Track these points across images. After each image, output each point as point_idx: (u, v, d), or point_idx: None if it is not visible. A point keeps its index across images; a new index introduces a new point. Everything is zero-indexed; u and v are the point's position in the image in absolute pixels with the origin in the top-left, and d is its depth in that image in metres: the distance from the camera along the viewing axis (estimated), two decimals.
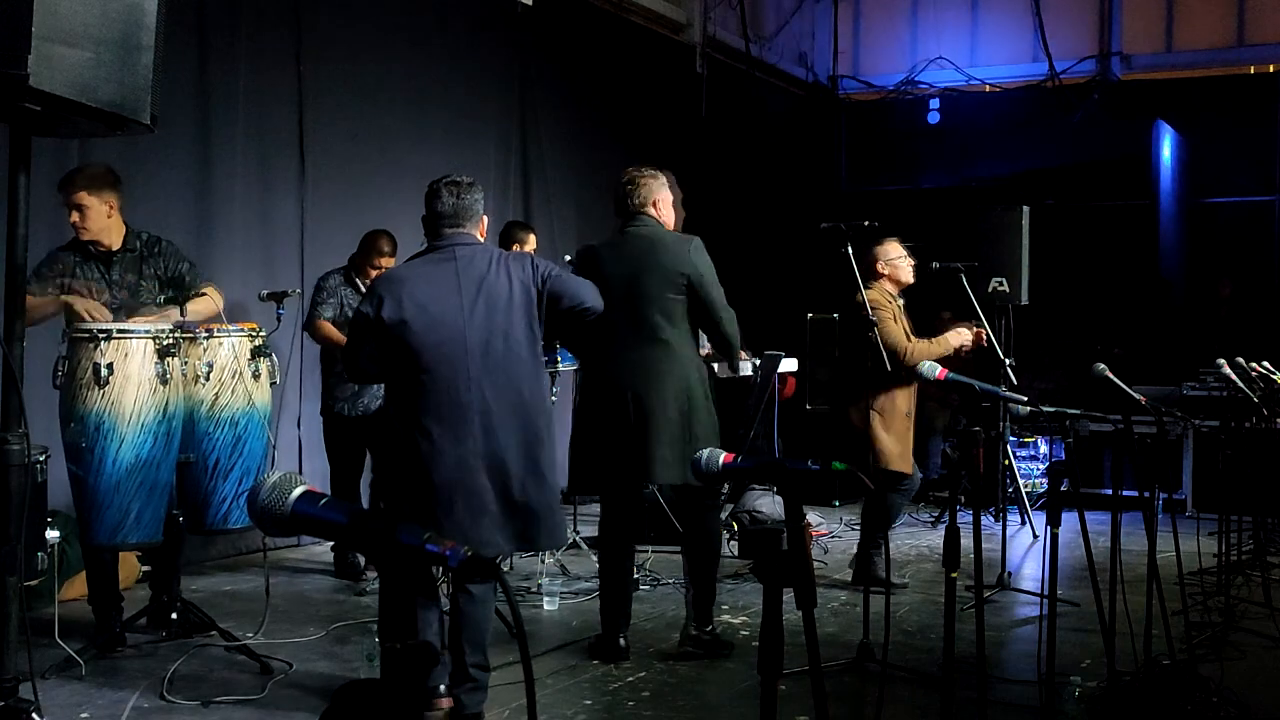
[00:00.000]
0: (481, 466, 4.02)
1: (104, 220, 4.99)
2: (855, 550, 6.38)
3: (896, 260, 6.29)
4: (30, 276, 4.84)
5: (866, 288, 6.25)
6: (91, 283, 4.98)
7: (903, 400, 6.08)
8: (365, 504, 6.51)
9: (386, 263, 6.39)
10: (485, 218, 4.30)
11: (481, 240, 4.25)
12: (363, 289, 6.41)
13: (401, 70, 8.05)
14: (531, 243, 7.17)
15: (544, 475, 4.15)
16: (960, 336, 6.25)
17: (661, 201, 5.12)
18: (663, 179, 5.15)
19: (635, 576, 6.21)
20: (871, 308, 6.13)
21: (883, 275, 6.27)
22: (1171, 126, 11.42)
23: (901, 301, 6.28)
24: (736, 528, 7.32)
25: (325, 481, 6.81)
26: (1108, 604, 4.12)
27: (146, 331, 4.52)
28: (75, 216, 4.96)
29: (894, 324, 6.13)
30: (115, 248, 5.04)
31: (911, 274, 6.31)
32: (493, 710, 4.23)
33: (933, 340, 6.18)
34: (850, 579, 6.35)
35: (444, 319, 4.05)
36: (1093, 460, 9.15)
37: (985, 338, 6.38)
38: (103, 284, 4.99)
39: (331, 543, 6.39)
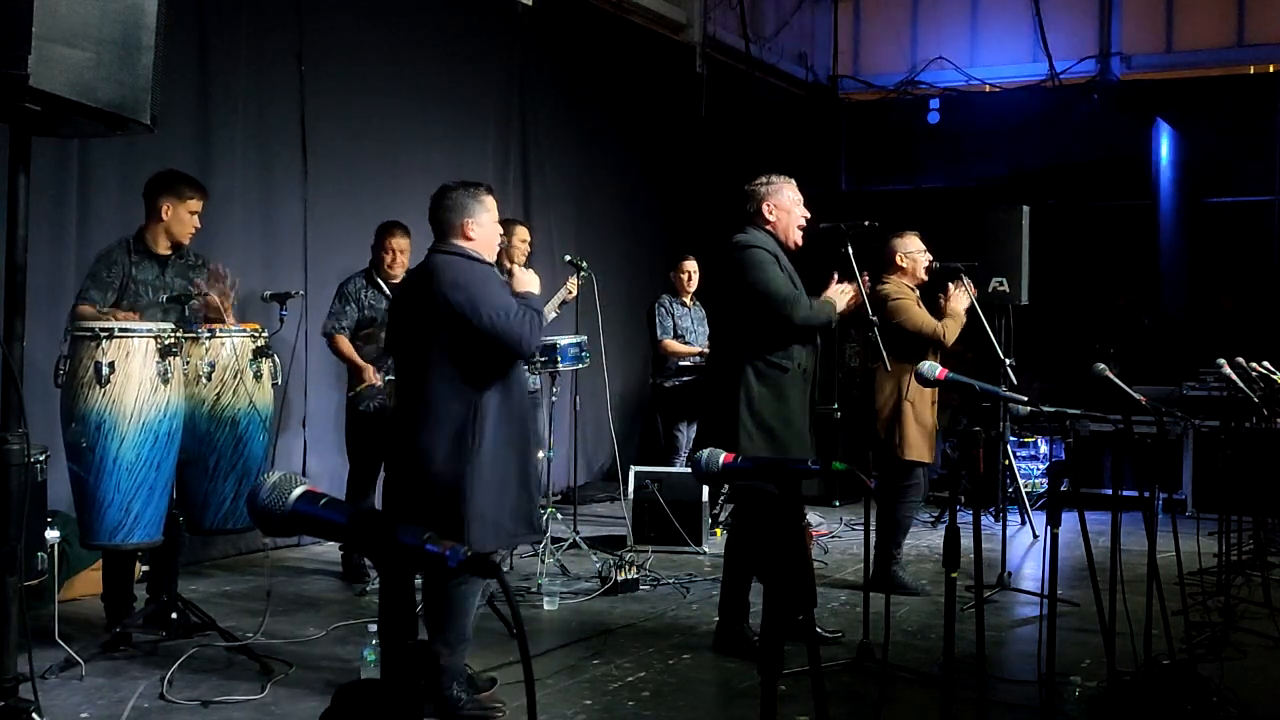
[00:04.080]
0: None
1: None
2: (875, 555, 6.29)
3: (915, 254, 6.27)
4: (89, 283, 4.94)
5: (883, 280, 6.25)
6: (148, 284, 5.08)
7: (930, 390, 6.04)
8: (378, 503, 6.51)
9: (399, 244, 6.40)
10: (471, 219, 4.24)
11: (463, 245, 4.24)
12: (383, 285, 6.42)
13: (402, 70, 8.05)
14: (521, 235, 7.16)
15: (434, 484, 4.10)
16: (963, 299, 6.22)
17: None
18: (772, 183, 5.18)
19: (635, 576, 6.23)
20: (894, 297, 6.13)
21: (901, 268, 6.26)
22: (1171, 126, 11.42)
23: (917, 294, 6.27)
24: None
25: (330, 482, 6.82)
26: (1108, 604, 4.12)
27: (148, 330, 4.52)
28: (197, 221, 5.17)
29: (919, 309, 6.14)
30: (170, 252, 5.15)
31: (924, 270, 6.29)
32: None
33: (949, 316, 6.15)
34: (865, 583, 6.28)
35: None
36: (1093, 460, 9.16)
37: (969, 289, 6.33)
38: (159, 284, 5.10)
39: (338, 544, 6.39)
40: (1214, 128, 11.57)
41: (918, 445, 6.07)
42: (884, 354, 5.38)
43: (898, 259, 6.25)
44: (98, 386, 4.39)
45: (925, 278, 6.29)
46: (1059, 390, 9.99)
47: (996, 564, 6.47)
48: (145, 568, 5.22)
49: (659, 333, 8.14)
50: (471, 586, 4.15)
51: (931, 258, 6.30)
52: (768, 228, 5.10)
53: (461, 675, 4.19)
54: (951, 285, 6.26)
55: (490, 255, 4.33)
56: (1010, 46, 12.27)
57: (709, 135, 11.16)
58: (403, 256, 6.43)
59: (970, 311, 6.23)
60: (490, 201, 4.34)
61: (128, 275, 5.01)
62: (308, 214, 7.26)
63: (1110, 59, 11.91)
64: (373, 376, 6.24)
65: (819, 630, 5.22)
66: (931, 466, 6.42)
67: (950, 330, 6.10)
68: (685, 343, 8.14)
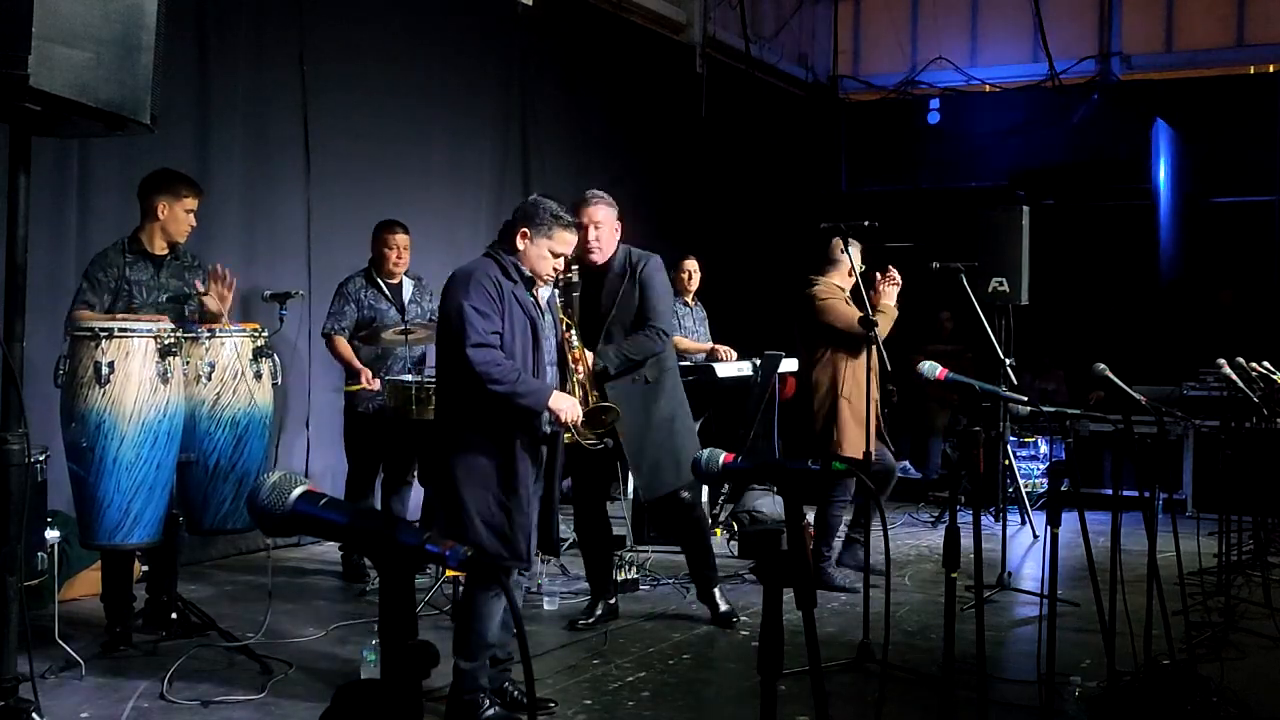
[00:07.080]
0: None
1: None
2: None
3: (852, 255, 6.24)
4: (85, 287, 4.94)
5: (812, 280, 6.25)
6: (143, 285, 5.08)
7: (870, 386, 5.89)
8: (378, 503, 6.51)
9: (399, 240, 6.38)
10: (526, 227, 4.22)
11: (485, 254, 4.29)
12: (382, 284, 6.41)
13: (402, 70, 8.04)
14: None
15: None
16: (891, 294, 6.18)
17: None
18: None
19: (635, 576, 6.22)
20: (821, 296, 6.13)
21: (835, 262, 6.24)
22: (1171, 126, 11.42)
23: (846, 293, 6.23)
24: (736, 528, 7.32)
25: (333, 482, 6.82)
26: (1108, 604, 4.12)
27: (148, 330, 4.52)
28: (192, 220, 5.18)
29: (848, 306, 6.11)
30: (166, 252, 5.14)
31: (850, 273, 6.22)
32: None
33: (880, 312, 6.08)
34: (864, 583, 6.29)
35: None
36: (1093, 460, 9.15)
37: (894, 277, 6.30)
38: (154, 285, 5.10)
39: (338, 544, 6.38)
40: (1214, 128, 11.56)
41: (855, 442, 6.04)
42: (883, 355, 5.39)
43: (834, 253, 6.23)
44: (98, 386, 4.38)
45: (854, 279, 6.25)
46: (1059, 391, 10.00)
47: (996, 564, 6.47)
48: (145, 568, 5.22)
49: (669, 329, 8.10)
50: (488, 597, 4.12)
51: (865, 266, 6.24)
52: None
53: (481, 682, 4.18)
54: (879, 279, 6.23)
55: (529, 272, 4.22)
56: (1010, 47, 12.27)
57: (709, 135, 11.15)
58: (403, 254, 6.42)
59: (970, 311, 6.22)
60: (561, 235, 4.19)
61: (122, 277, 5.00)
62: (310, 214, 7.25)
63: (1110, 59, 11.92)
64: (368, 381, 6.22)
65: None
66: (932, 466, 6.41)
67: (883, 326, 5.98)
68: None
